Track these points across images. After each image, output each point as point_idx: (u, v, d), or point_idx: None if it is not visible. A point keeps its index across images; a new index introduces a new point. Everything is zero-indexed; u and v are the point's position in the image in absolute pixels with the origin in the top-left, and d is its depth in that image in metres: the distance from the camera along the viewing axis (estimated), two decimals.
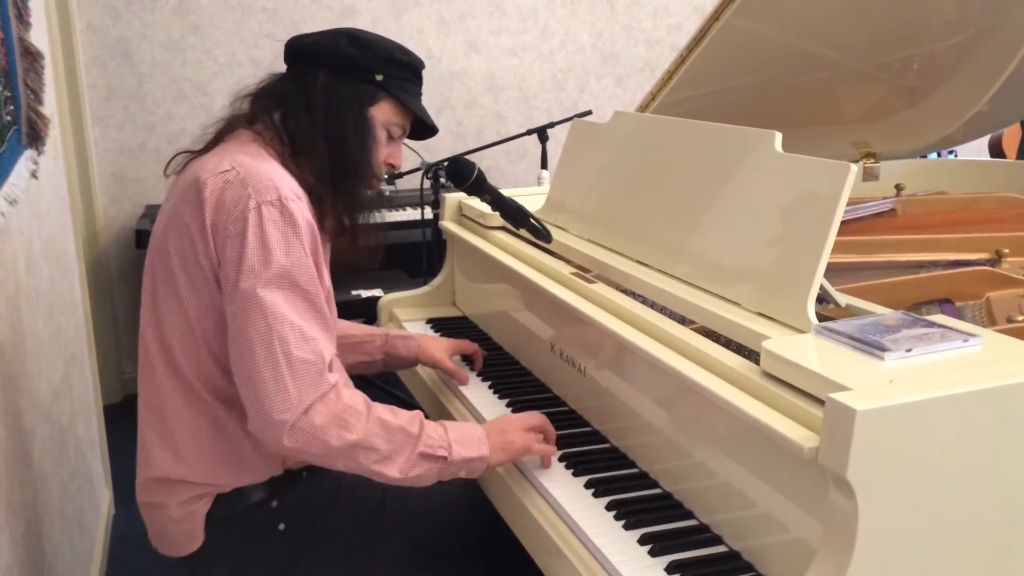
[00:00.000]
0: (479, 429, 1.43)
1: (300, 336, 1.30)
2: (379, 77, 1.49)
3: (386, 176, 1.59)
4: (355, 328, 1.82)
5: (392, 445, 1.34)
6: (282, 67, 1.56)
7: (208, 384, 1.40)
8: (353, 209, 1.52)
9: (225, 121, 1.51)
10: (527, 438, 1.44)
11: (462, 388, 1.78)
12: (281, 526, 1.45)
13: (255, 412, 1.30)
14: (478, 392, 1.76)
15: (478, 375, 1.84)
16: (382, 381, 3.39)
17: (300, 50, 1.52)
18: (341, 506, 1.48)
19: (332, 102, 1.47)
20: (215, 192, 1.35)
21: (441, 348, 1.83)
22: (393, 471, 1.34)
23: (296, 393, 1.28)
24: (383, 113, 1.51)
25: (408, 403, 2.92)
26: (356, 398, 1.34)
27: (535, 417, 1.48)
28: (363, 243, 1.56)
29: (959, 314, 1.50)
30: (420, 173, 3.11)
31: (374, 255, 1.61)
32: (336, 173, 1.46)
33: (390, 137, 1.54)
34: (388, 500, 1.52)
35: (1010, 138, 4.01)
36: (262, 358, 1.28)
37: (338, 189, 1.47)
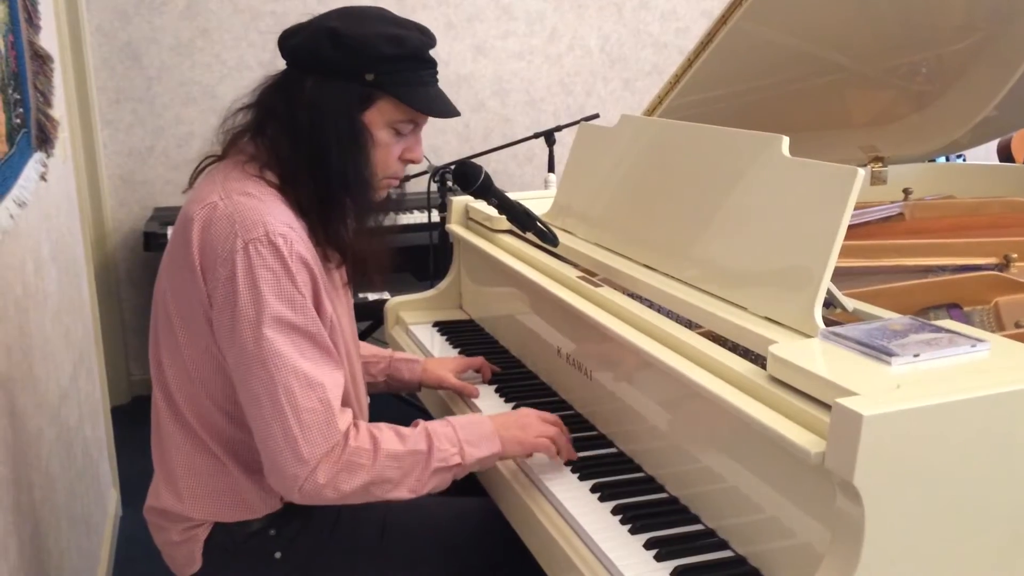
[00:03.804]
0: (488, 423, 1.41)
1: (306, 383, 1.27)
2: (370, 77, 1.35)
3: (403, 176, 1.49)
4: (363, 347, 1.78)
5: (403, 471, 1.32)
6: None
7: (206, 425, 1.38)
8: (359, 220, 1.44)
9: (230, 134, 1.43)
10: (544, 432, 1.43)
11: None
12: (277, 554, 1.43)
13: (268, 464, 1.30)
14: (485, 396, 1.76)
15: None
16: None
17: (287, 51, 1.41)
18: (339, 534, 1.46)
19: (316, 114, 1.35)
20: (201, 229, 1.31)
21: (447, 368, 1.80)
22: (406, 493, 1.34)
23: (306, 447, 1.26)
24: (383, 114, 1.38)
25: (416, 406, 2.92)
26: (362, 436, 1.32)
27: (552, 419, 1.48)
28: (365, 248, 1.46)
29: (967, 319, 1.50)
30: (427, 176, 3.12)
31: (380, 261, 1.51)
32: (328, 192, 1.37)
33: (399, 134, 1.42)
34: (388, 526, 1.49)
35: (1019, 142, 3.99)
36: (269, 411, 1.26)
37: (333, 208, 1.38)
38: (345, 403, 1.39)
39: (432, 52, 1.42)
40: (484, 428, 1.40)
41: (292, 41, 1.39)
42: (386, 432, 1.34)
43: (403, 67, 1.37)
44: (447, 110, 1.42)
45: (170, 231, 3.38)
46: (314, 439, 1.27)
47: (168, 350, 1.39)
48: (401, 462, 1.32)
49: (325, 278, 1.38)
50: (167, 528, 1.43)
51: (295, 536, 1.43)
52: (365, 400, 1.58)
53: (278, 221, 1.30)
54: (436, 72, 1.43)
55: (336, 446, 1.29)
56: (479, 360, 1.85)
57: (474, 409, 1.73)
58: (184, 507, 1.39)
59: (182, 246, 1.33)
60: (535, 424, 1.44)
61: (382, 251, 1.50)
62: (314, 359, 1.29)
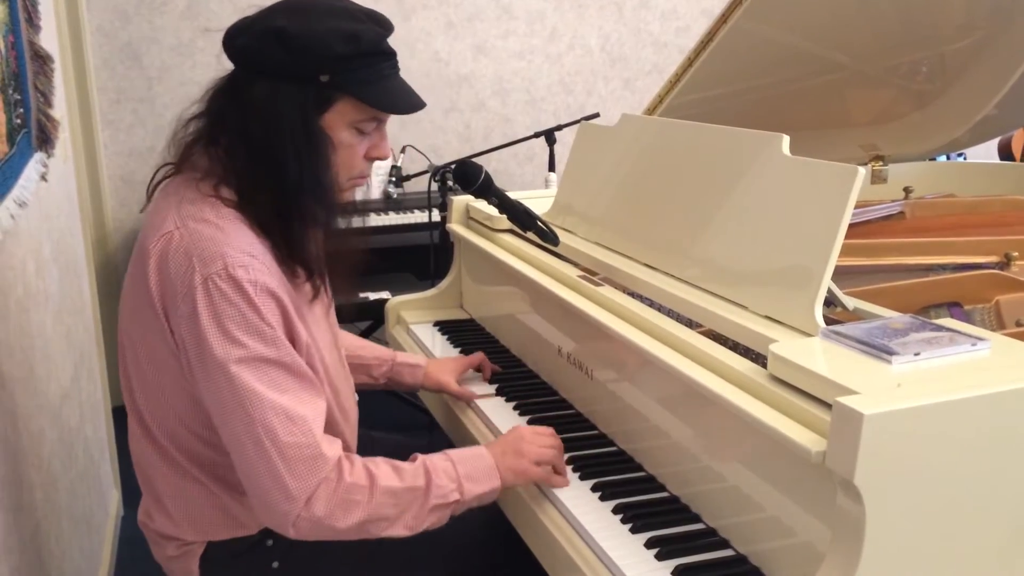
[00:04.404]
0: (488, 457, 1.35)
1: (285, 418, 1.22)
2: (324, 78, 1.26)
3: (368, 176, 1.40)
4: (364, 348, 1.78)
5: (400, 508, 1.28)
6: None
7: (184, 452, 1.35)
8: (325, 229, 1.37)
9: (182, 145, 1.34)
10: (540, 456, 1.38)
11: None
12: (275, 564, 1.41)
13: (257, 504, 1.26)
14: (486, 396, 1.76)
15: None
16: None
17: (234, 52, 1.31)
18: (337, 540, 1.43)
19: (269, 121, 1.26)
20: (158, 264, 1.24)
21: (448, 371, 1.78)
22: (402, 530, 1.29)
23: (294, 483, 1.22)
24: (343, 115, 1.29)
25: (416, 405, 2.92)
26: (358, 471, 1.27)
27: (551, 440, 1.42)
28: (335, 255, 1.40)
29: (968, 318, 1.50)
30: (427, 176, 3.12)
31: (350, 262, 1.44)
32: (287, 205, 1.29)
33: (363, 132, 1.33)
34: None
35: (1020, 140, 3.99)
36: (252, 450, 1.22)
37: (294, 221, 1.30)
38: (330, 423, 1.35)
39: (391, 40, 1.33)
40: (484, 463, 1.34)
41: (238, 42, 1.29)
42: (383, 467, 1.29)
43: (360, 64, 1.27)
44: (411, 104, 1.33)
45: None
46: (302, 474, 1.22)
47: (137, 379, 1.34)
48: (398, 499, 1.27)
49: (295, 298, 1.32)
50: (163, 544, 1.42)
51: (292, 545, 1.40)
52: (353, 413, 1.54)
53: (238, 251, 1.23)
54: (396, 63, 1.33)
55: (327, 480, 1.24)
56: (479, 357, 1.84)
57: (476, 409, 1.73)
58: (178, 530, 1.38)
59: (141, 280, 1.27)
60: (531, 449, 1.38)
61: (350, 255, 1.43)
62: (292, 390, 1.24)
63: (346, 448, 1.47)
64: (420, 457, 1.33)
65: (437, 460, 1.33)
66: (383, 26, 1.31)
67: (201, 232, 1.24)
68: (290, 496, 1.22)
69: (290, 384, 1.24)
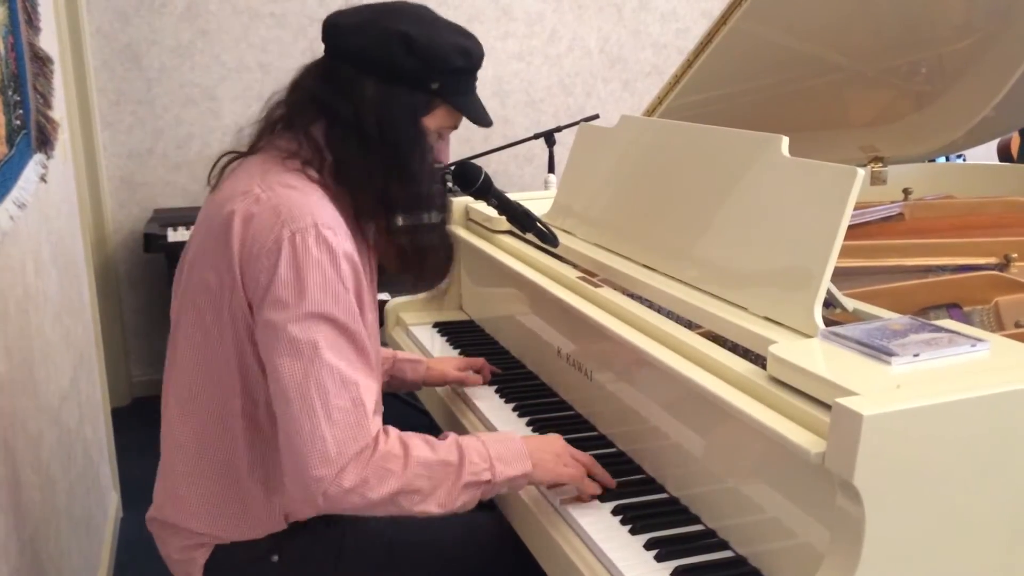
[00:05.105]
0: (519, 442, 1.34)
1: (340, 381, 1.22)
2: (435, 86, 1.36)
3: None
4: None
5: (433, 481, 1.26)
6: (292, 69, 1.43)
7: (215, 428, 1.35)
8: (414, 217, 1.42)
9: (261, 126, 1.41)
10: (577, 457, 1.37)
11: (470, 395, 1.78)
12: (275, 558, 1.39)
13: (291, 465, 1.23)
14: (485, 397, 1.76)
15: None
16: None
17: (348, 48, 1.36)
18: (344, 560, 1.42)
19: (384, 116, 1.34)
20: (244, 220, 1.27)
21: (450, 366, 1.80)
22: (435, 507, 1.27)
23: (334, 447, 1.20)
24: (436, 119, 1.40)
25: (415, 406, 2.92)
26: (392, 441, 1.26)
27: (585, 459, 1.40)
28: (427, 243, 1.45)
29: (967, 319, 1.50)
30: None
31: (441, 260, 1.51)
32: (390, 189, 1.36)
33: (440, 138, 1.44)
34: (395, 548, 1.46)
35: (1016, 142, 3.99)
36: (298, 407, 1.21)
37: (391, 205, 1.37)
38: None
39: None
40: (515, 446, 1.33)
41: (355, 40, 1.35)
42: (416, 440, 1.28)
43: (463, 77, 1.40)
44: (488, 118, 1.45)
45: (170, 233, 3.39)
46: (343, 439, 1.21)
47: (186, 354, 1.35)
48: (432, 472, 1.26)
49: (367, 279, 1.35)
50: (167, 542, 1.42)
51: (297, 563, 1.40)
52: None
53: (325, 214, 1.28)
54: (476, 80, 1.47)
55: (366, 448, 1.22)
56: (480, 361, 1.85)
57: (475, 410, 1.73)
58: (186, 516, 1.37)
59: (219, 241, 1.29)
60: (566, 453, 1.37)
61: (440, 247, 1.49)
62: (350, 359, 1.25)
63: None
64: (452, 435, 1.34)
65: (468, 439, 1.33)
66: (480, 47, 1.42)
67: (287, 194, 1.29)
68: (327, 459, 1.20)
69: (350, 352, 1.25)
